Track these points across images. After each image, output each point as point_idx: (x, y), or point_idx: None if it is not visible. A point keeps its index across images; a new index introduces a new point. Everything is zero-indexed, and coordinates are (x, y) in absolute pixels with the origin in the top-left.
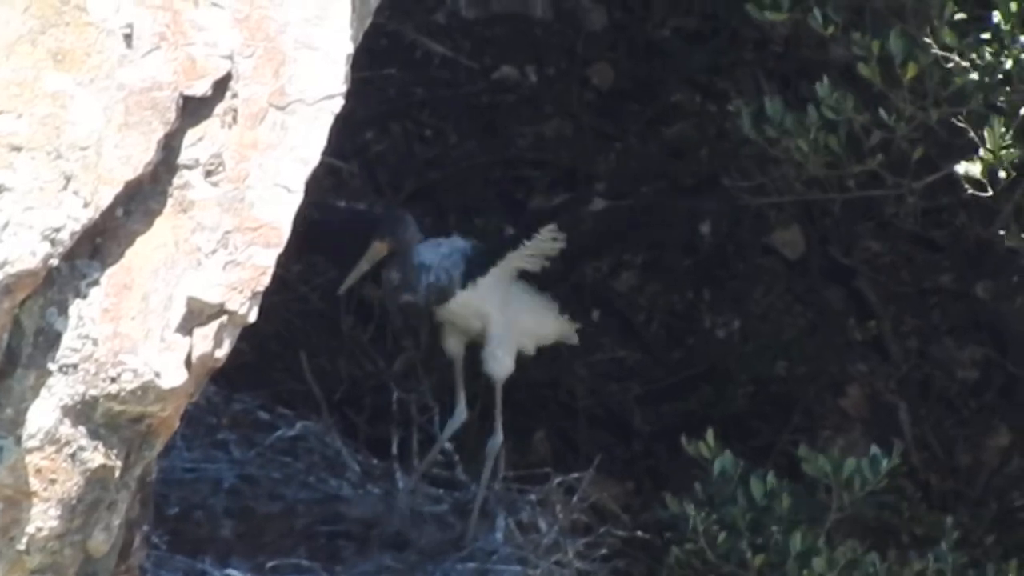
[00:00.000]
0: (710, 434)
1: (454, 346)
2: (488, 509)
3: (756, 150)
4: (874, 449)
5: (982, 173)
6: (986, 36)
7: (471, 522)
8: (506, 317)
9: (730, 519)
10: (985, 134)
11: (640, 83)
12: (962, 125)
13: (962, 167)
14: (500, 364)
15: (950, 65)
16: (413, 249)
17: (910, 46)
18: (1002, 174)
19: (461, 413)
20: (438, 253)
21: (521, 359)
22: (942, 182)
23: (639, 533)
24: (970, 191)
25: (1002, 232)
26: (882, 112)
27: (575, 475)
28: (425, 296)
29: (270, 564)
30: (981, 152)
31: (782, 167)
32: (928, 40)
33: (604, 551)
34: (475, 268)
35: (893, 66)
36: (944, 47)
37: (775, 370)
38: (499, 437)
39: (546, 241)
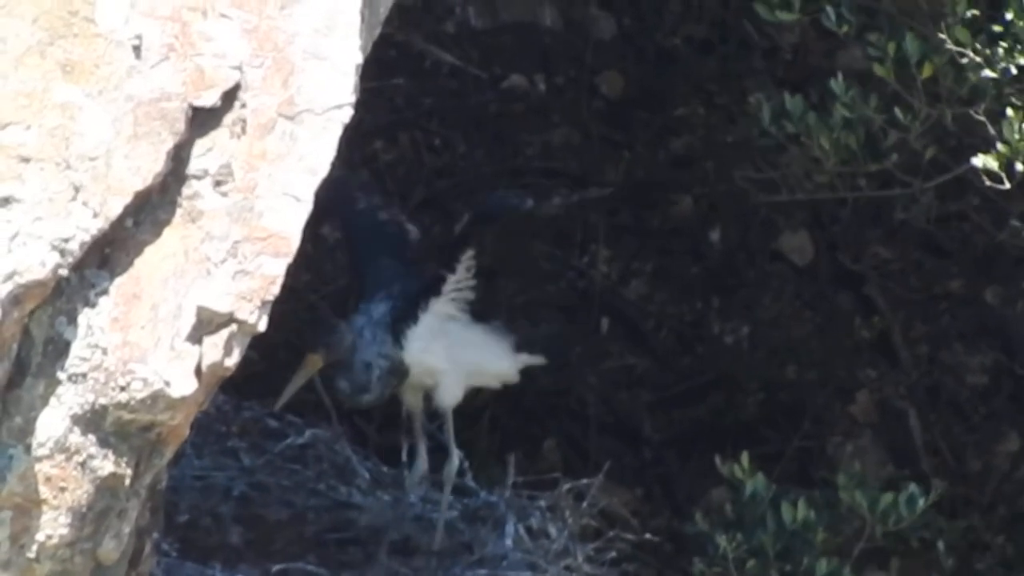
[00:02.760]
0: (744, 456)
1: (412, 400)
2: (498, 515)
3: (772, 143)
4: (912, 488)
5: (1000, 166)
6: (998, 29)
7: (437, 536)
8: (456, 366)
9: (759, 544)
10: (1003, 127)
11: (649, 92)
12: (980, 118)
13: (980, 160)
14: (450, 397)
15: (964, 61)
16: (354, 353)
17: (925, 47)
18: (1020, 167)
19: (423, 463)
20: (366, 343)
21: (529, 368)
22: (952, 186)
23: (648, 536)
24: (988, 183)
25: (1016, 224)
26: (897, 111)
27: (585, 481)
28: (381, 389)
29: (278, 568)
30: (999, 145)
31: (794, 165)
32: (943, 36)
33: (613, 556)
34: (402, 325)
35: (908, 66)
36: (958, 43)
37: (784, 376)
38: (455, 461)
39: (467, 271)
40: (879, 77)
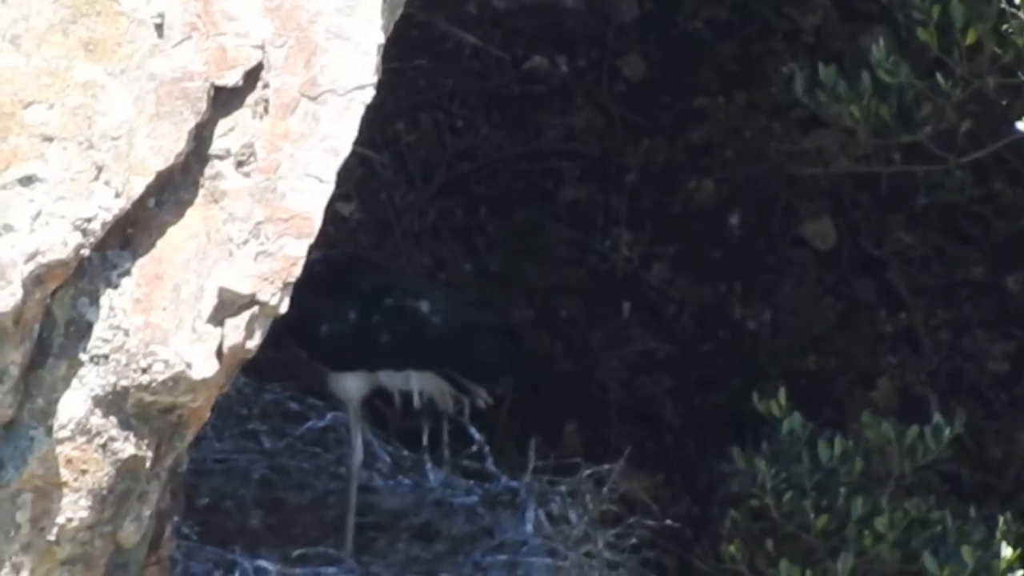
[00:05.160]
0: (782, 393)
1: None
2: (518, 500)
3: (805, 114)
4: (937, 417)
5: None
6: None
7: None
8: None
9: (796, 479)
10: None
11: (671, 74)
12: None
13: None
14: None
15: (1013, 21)
16: None
17: (970, 12)
18: None
19: (359, 452)
20: None
21: (552, 350)
22: (977, 168)
23: (669, 522)
24: None
25: None
26: (939, 76)
27: (605, 466)
28: None
29: (298, 552)
30: None
31: (827, 137)
32: None
33: (633, 542)
34: None
35: (950, 32)
36: (1011, 3)
37: (805, 363)
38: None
39: None
40: (911, 48)
